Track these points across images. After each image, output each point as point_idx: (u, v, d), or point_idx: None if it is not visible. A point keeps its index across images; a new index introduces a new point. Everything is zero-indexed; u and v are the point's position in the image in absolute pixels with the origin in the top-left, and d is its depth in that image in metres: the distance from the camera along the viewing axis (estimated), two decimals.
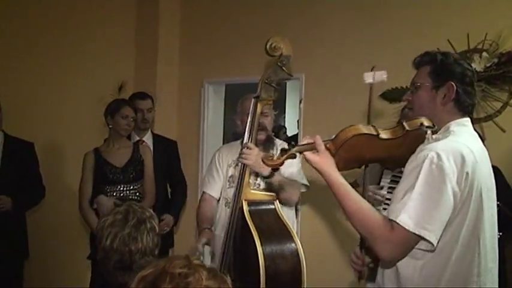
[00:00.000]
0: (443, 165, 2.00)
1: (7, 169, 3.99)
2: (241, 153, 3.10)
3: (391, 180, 3.25)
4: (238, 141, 3.62)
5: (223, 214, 3.50)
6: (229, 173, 3.56)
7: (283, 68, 3.09)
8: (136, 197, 4.07)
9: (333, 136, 2.24)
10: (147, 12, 5.84)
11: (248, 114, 3.29)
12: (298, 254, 2.85)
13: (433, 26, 4.74)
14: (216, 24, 5.86)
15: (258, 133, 3.31)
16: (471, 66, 2.28)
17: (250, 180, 3.29)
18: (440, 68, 2.23)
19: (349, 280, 3.77)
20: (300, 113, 5.33)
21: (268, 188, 3.30)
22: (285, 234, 2.91)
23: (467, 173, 2.03)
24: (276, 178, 3.26)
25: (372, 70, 2.82)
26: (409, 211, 1.97)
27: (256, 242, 2.78)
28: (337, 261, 4.74)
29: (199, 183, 5.61)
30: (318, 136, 2.22)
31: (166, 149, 4.69)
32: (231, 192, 3.42)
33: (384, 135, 2.20)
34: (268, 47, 3.07)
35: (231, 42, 5.73)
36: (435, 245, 2.00)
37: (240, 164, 3.14)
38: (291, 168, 3.43)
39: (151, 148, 4.53)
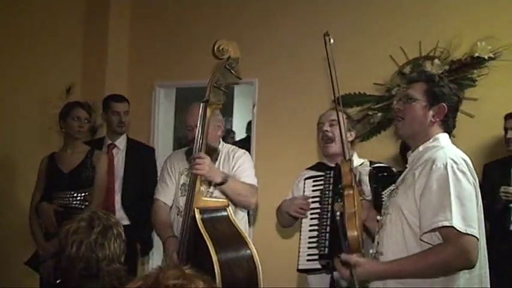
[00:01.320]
0: (463, 168, 2.23)
1: None
2: (192, 164, 3.02)
3: None
4: (186, 148, 3.55)
5: (175, 223, 3.40)
6: (181, 181, 3.46)
7: (232, 71, 3.04)
8: (80, 205, 3.89)
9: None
10: (96, 14, 5.69)
11: (187, 127, 3.34)
12: (253, 260, 2.81)
13: (386, 33, 4.80)
14: (167, 26, 5.75)
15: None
16: (459, 92, 2.54)
17: (203, 189, 3.22)
18: (435, 88, 2.41)
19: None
20: (253, 118, 5.27)
21: (225, 195, 3.23)
22: (239, 241, 2.86)
23: (473, 175, 2.27)
24: (230, 184, 3.19)
25: (327, 35, 2.82)
26: (456, 214, 2.11)
27: (211, 251, 2.71)
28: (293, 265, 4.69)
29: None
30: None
31: (141, 156, 4.51)
32: (183, 200, 3.34)
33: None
34: (215, 49, 3.01)
35: (182, 44, 5.65)
36: (479, 240, 2.16)
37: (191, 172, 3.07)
38: (245, 172, 3.37)
39: (124, 153, 4.41)
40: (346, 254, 2.30)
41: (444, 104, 2.37)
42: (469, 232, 2.10)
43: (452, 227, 2.09)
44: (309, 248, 3.09)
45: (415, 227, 2.24)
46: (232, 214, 3.04)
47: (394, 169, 3.01)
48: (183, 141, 6.54)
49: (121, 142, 4.46)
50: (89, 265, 2.17)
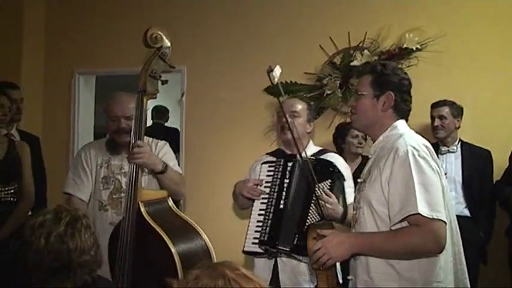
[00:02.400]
0: (424, 154, 2.25)
1: None
2: (132, 153, 2.88)
3: None
4: (103, 139, 3.39)
5: (97, 219, 3.20)
6: (102, 174, 3.27)
7: (165, 59, 2.93)
8: (11, 199, 3.65)
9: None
10: None
11: (112, 117, 3.18)
12: (208, 248, 2.72)
13: (315, 23, 4.85)
14: (87, 10, 5.49)
15: (122, 136, 3.15)
16: (407, 75, 2.50)
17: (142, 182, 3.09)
18: (380, 78, 2.44)
19: None
20: (182, 107, 5.15)
21: (161, 183, 3.15)
22: (191, 230, 2.75)
23: (436, 161, 2.31)
24: (170, 173, 3.12)
25: (270, 71, 2.79)
26: (420, 201, 2.14)
27: (168, 244, 2.57)
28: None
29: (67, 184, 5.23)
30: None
31: (30, 146, 4.12)
32: (105, 194, 3.21)
33: None
34: (148, 37, 2.88)
35: (103, 30, 5.41)
36: (447, 224, 2.21)
37: (131, 166, 2.89)
38: (172, 161, 3.29)
39: None
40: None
41: (391, 92, 2.41)
42: (435, 217, 2.14)
43: (419, 213, 2.12)
44: (255, 231, 3.11)
45: (386, 218, 2.27)
46: (173, 204, 2.93)
47: (336, 168, 3.05)
48: (104, 130, 6.36)
49: (15, 132, 4.24)
50: (60, 256, 2.05)
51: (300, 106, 3.26)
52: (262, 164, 3.28)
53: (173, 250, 2.56)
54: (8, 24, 5.32)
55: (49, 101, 5.47)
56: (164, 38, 2.91)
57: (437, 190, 2.21)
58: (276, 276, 3.09)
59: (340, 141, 4.29)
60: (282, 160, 3.15)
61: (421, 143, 2.30)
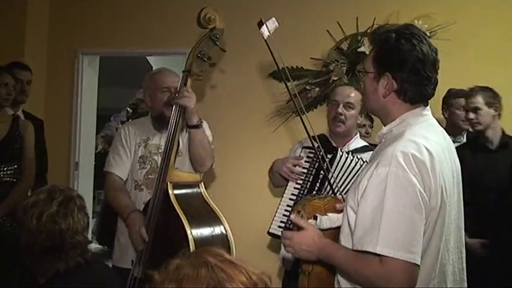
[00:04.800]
0: (410, 175, 1.80)
1: None
2: (179, 95, 2.86)
3: None
4: (145, 118, 3.39)
5: (133, 199, 3.19)
6: (139, 154, 3.25)
7: (217, 42, 2.89)
8: (12, 179, 3.65)
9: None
10: None
11: (163, 89, 3.15)
12: (227, 239, 2.72)
13: (323, 8, 4.79)
14: None
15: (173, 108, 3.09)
16: (420, 47, 1.93)
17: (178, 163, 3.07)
18: (379, 55, 1.98)
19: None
20: None
21: (192, 142, 3.11)
22: (213, 218, 2.74)
23: (429, 178, 1.85)
24: (202, 131, 3.10)
25: (260, 24, 2.74)
26: (384, 237, 1.78)
27: (186, 227, 2.58)
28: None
29: (72, 166, 5.21)
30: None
31: (36, 129, 4.14)
32: (141, 174, 3.21)
33: None
34: (202, 18, 2.88)
35: (108, 10, 5.34)
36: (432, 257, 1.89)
37: (167, 140, 2.90)
38: (207, 130, 3.28)
39: None
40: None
41: (388, 74, 1.94)
42: (400, 258, 1.76)
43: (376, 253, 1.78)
44: (283, 215, 3.06)
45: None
46: (205, 191, 2.92)
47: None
48: (106, 112, 6.33)
49: (20, 114, 4.20)
50: (52, 236, 2.06)
51: (355, 96, 3.19)
52: (303, 148, 3.23)
53: (190, 235, 2.56)
54: (12, 4, 5.25)
55: (52, 81, 5.41)
56: (218, 19, 2.89)
57: (413, 224, 1.78)
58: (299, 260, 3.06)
59: None
60: (323, 150, 2.96)
61: (414, 153, 1.82)
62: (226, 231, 2.73)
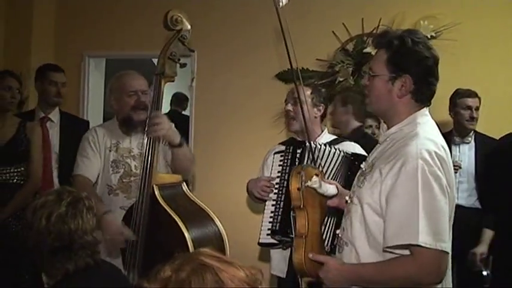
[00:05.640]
0: (436, 170, 1.93)
1: None
2: (150, 126, 2.84)
3: None
4: (111, 122, 3.34)
5: (106, 203, 3.12)
6: (111, 158, 3.20)
7: (184, 43, 2.91)
8: (18, 181, 3.67)
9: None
10: None
11: (129, 92, 3.13)
12: (221, 235, 2.72)
13: (328, 9, 4.79)
14: None
15: (140, 112, 3.12)
16: (432, 50, 2.09)
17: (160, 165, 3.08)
18: (396, 57, 2.05)
19: None
20: (192, 92, 5.11)
21: (175, 158, 3.08)
22: (204, 216, 2.74)
23: (450, 171, 2.00)
24: (186, 148, 3.09)
25: None
26: (423, 229, 1.87)
27: (182, 229, 2.56)
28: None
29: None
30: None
31: (76, 130, 4.13)
32: (115, 178, 3.16)
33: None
34: (168, 19, 2.88)
35: (113, 13, 5.37)
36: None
37: (147, 143, 2.87)
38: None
39: (59, 127, 4.11)
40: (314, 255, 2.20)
41: (408, 76, 2.02)
42: (438, 248, 1.88)
43: (419, 245, 1.87)
44: (269, 222, 3.06)
45: (375, 229, 2.02)
46: (188, 189, 2.91)
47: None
48: (113, 115, 6.33)
49: (54, 115, 4.17)
50: (61, 237, 2.06)
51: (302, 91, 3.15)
52: (274, 154, 3.21)
53: (187, 235, 2.55)
54: (18, 8, 5.27)
55: None
56: (184, 20, 2.90)
57: (444, 215, 1.92)
58: (292, 268, 3.04)
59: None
60: (291, 147, 3.07)
61: (434, 151, 1.95)
62: (218, 227, 2.73)
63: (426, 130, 2.04)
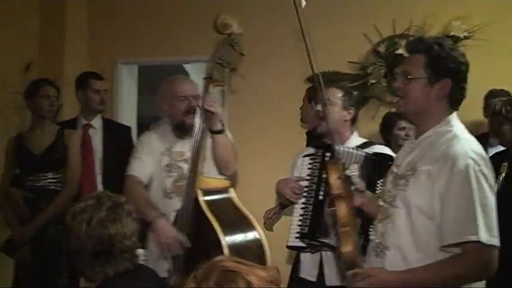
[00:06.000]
0: (484, 170, 2.04)
1: None
2: (205, 101, 2.88)
3: None
4: (164, 127, 3.37)
5: (161, 207, 3.16)
6: (165, 162, 3.25)
7: (235, 47, 2.90)
8: (55, 187, 3.74)
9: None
10: None
11: (180, 97, 3.15)
12: (262, 244, 2.71)
13: (359, 11, 4.77)
14: (128, 1, 5.51)
15: (192, 117, 3.10)
16: (464, 56, 2.21)
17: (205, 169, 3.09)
18: (435, 61, 2.14)
19: None
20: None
21: (215, 147, 3.09)
22: (246, 224, 2.75)
23: (492, 173, 2.11)
24: (226, 137, 3.10)
25: None
26: (482, 226, 1.96)
27: (219, 234, 2.59)
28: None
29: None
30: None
31: (119, 136, 4.29)
32: (169, 182, 3.19)
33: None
34: (218, 23, 2.89)
35: (145, 20, 5.42)
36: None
37: (194, 147, 2.92)
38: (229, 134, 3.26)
39: (101, 134, 4.18)
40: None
41: (448, 79, 2.12)
42: (492, 243, 1.97)
43: (479, 241, 1.95)
44: (298, 225, 3.04)
45: (424, 232, 2.08)
46: (235, 196, 2.93)
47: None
48: (146, 120, 6.41)
49: (97, 122, 4.24)
50: (101, 241, 2.08)
51: (332, 93, 3.12)
52: (303, 157, 3.20)
53: (223, 242, 2.57)
54: (52, 16, 5.37)
55: None
56: (235, 25, 2.90)
57: (495, 211, 2.02)
58: (321, 272, 3.04)
59: (386, 133, 4.19)
60: (320, 151, 3.04)
61: (479, 154, 2.07)
62: (260, 236, 2.73)
63: (464, 132, 2.16)
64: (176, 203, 3.14)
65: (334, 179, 2.25)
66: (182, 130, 3.21)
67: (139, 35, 5.40)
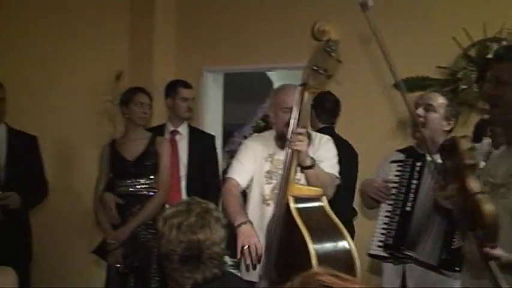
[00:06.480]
0: None
1: (12, 164, 3.74)
2: (293, 139, 2.83)
3: None
4: (269, 133, 3.38)
5: (258, 213, 3.20)
6: (266, 168, 3.25)
7: (332, 54, 2.84)
8: (147, 192, 3.83)
9: None
10: None
11: (284, 109, 3.12)
12: (351, 255, 2.64)
13: (448, 14, 4.63)
14: (215, 9, 5.59)
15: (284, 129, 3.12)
16: None
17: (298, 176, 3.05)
18: None
19: None
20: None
21: (307, 179, 3.05)
22: (336, 233, 2.69)
23: None
24: (317, 170, 3.03)
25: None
26: None
27: (308, 242, 2.55)
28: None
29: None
30: None
31: (203, 144, 4.38)
32: (268, 188, 3.20)
33: None
34: (315, 30, 2.91)
35: (230, 28, 5.49)
36: None
37: (287, 154, 2.88)
38: (329, 160, 3.19)
39: (187, 140, 4.28)
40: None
41: None
42: None
43: None
44: (381, 234, 2.98)
45: None
46: (327, 204, 2.87)
47: None
48: (231, 128, 6.50)
49: (184, 129, 4.34)
50: (190, 246, 2.12)
51: (437, 100, 3.05)
52: (390, 162, 3.12)
53: (312, 251, 2.52)
54: (140, 26, 5.55)
55: None
56: (332, 31, 2.87)
57: None
58: (404, 284, 2.97)
59: (479, 141, 4.03)
60: (411, 159, 2.96)
61: None
62: (350, 247, 2.65)
63: None
64: (272, 210, 3.15)
65: (463, 149, 2.12)
66: (283, 140, 3.17)
67: (224, 43, 5.48)
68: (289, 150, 2.86)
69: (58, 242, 4.76)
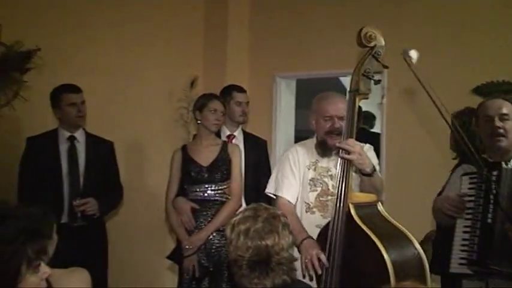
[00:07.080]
0: None
1: (91, 171, 3.86)
2: (341, 149, 2.86)
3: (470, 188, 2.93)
4: (311, 140, 3.38)
5: (304, 221, 3.18)
6: (309, 176, 3.25)
7: (378, 59, 2.88)
8: (221, 198, 3.85)
9: None
10: (215, 5, 5.67)
11: (325, 117, 3.15)
12: (421, 258, 2.60)
13: None
14: (287, 15, 5.61)
15: (334, 137, 3.13)
16: None
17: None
18: None
19: None
20: (382, 110, 5.03)
21: (361, 186, 3.03)
22: (402, 237, 2.65)
23: None
24: (375, 178, 3.00)
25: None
26: None
27: (381, 249, 2.50)
28: None
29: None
30: None
31: (255, 148, 4.41)
32: (313, 196, 3.21)
33: None
34: (362, 36, 2.87)
35: (302, 34, 5.50)
36: None
37: (341, 163, 2.88)
38: (376, 166, 3.16)
39: (243, 145, 4.31)
40: None
41: None
42: None
43: None
44: (461, 250, 2.87)
45: None
46: (383, 210, 2.85)
47: None
48: (303, 134, 6.46)
49: (239, 133, 4.39)
50: (258, 252, 2.13)
51: (508, 107, 2.97)
52: (462, 175, 3.01)
53: (386, 256, 2.48)
54: (215, 32, 5.66)
55: (253, 104, 5.66)
56: (379, 36, 2.90)
57: None
58: None
59: None
60: (486, 169, 2.82)
61: None
62: (418, 250, 2.62)
63: None
64: (318, 218, 3.16)
65: None
66: (323, 149, 3.22)
67: (296, 49, 5.50)
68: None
69: (131, 246, 4.87)
